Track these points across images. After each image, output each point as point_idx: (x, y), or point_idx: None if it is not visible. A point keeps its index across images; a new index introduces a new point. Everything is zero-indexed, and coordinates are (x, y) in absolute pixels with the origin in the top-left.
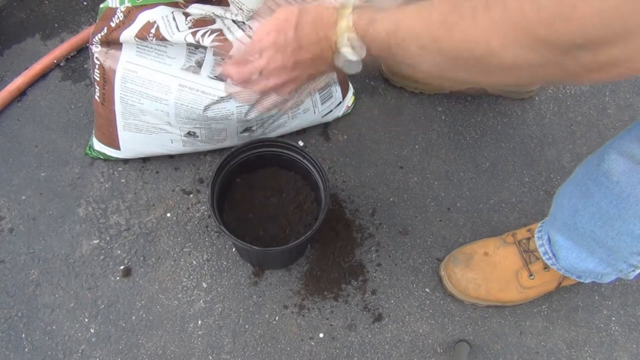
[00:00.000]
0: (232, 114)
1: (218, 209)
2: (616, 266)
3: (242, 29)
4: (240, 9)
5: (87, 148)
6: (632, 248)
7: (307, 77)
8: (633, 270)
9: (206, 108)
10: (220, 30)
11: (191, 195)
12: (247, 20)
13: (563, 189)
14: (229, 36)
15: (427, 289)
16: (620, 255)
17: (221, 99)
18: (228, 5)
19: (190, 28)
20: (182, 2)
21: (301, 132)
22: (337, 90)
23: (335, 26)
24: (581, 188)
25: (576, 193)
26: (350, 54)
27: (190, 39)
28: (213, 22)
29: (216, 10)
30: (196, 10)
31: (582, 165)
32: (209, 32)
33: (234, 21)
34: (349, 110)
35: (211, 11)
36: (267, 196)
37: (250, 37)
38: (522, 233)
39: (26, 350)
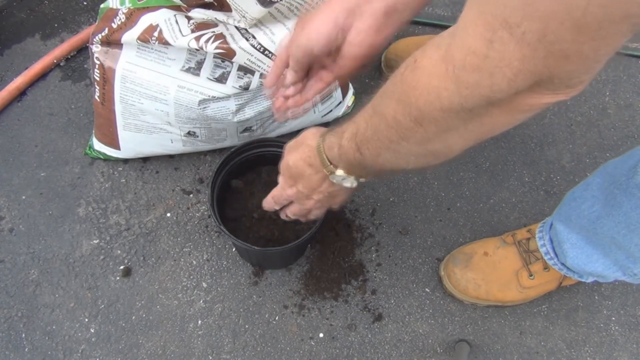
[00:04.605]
0: (232, 112)
1: (218, 209)
2: (631, 270)
3: (245, 38)
4: (244, 16)
5: (87, 148)
6: None
7: (328, 196)
8: None
9: (201, 102)
10: (224, 38)
11: (191, 195)
12: (250, 28)
13: (581, 193)
14: (232, 45)
15: (427, 289)
16: (638, 260)
17: (218, 98)
18: (230, 11)
19: (193, 32)
20: (185, 6)
21: (301, 132)
22: (337, 91)
23: (316, 152)
24: (607, 196)
25: (600, 200)
26: (338, 176)
27: (194, 45)
28: (216, 25)
29: (218, 15)
30: (198, 14)
31: (606, 173)
32: (212, 39)
33: (237, 27)
34: (349, 110)
35: (213, 16)
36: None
37: (253, 46)
38: (522, 234)
39: (26, 350)
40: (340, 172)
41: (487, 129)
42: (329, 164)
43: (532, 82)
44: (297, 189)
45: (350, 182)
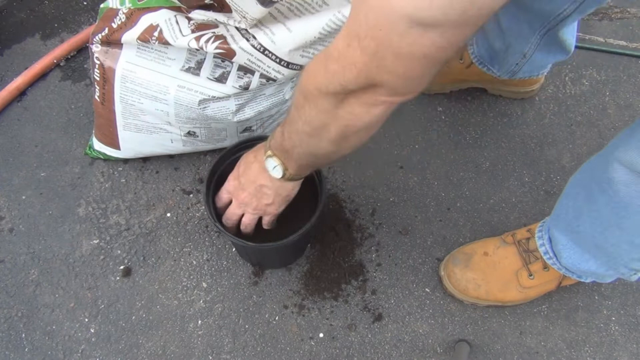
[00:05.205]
0: (232, 112)
1: (214, 207)
2: (617, 270)
3: (246, 38)
4: (244, 17)
5: (87, 148)
6: (631, 255)
7: (258, 191)
8: (635, 274)
9: (201, 102)
10: (224, 38)
11: (191, 195)
12: (251, 29)
13: (568, 190)
14: (233, 45)
15: (427, 289)
16: (620, 261)
17: (218, 98)
18: (230, 11)
19: (193, 32)
20: (185, 7)
21: None
22: None
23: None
24: (586, 191)
25: (581, 196)
26: (270, 160)
27: (194, 45)
28: (216, 26)
29: (219, 17)
30: (198, 16)
31: (588, 168)
32: (212, 39)
33: (237, 28)
34: None
35: (214, 17)
36: None
37: (253, 46)
38: (521, 233)
39: (26, 350)
40: (275, 158)
41: (352, 118)
42: (267, 148)
43: (370, 82)
44: (239, 181)
45: (277, 172)
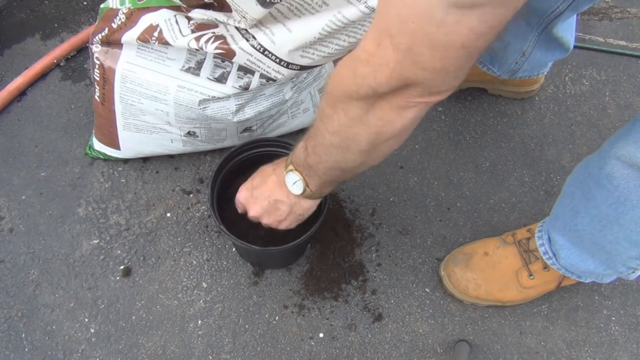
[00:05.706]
0: (232, 112)
1: (218, 208)
2: (616, 268)
3: (246, 39)
4: (244, 17)
5: (87, 148)
6: (629, 252)
7: (272, 205)
8: (633, 272)
9: (201, 102)
10: (224, 38)
11: (191, 195)
12: (251, 29)
13: (565, 190)
14: (232, 45)
15: (427, 289)
16: (618, 259)
17: (218, 98)
18: (230, 11)
19: (193, 32)
20: (185, 7)
21: (301, 132)
22: None
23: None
24: (583, 190)
25: (578, 194)
26: (292, 174)
27: (194, 45)
28: (216, 26)
29: (219, 16)
30: (198, 15)
31: (584, 166)
32: (212, 39)
33: (237, 28)
34: None
35: (214, 17)
36: None
37: (253, 47)
38: (522, 233)
39: (26, 350)
40: (297, 173)
41: (384, 124)
42: (289, 164)
43: (403, 82)
44: (251, 193)
45: (297, 187)
